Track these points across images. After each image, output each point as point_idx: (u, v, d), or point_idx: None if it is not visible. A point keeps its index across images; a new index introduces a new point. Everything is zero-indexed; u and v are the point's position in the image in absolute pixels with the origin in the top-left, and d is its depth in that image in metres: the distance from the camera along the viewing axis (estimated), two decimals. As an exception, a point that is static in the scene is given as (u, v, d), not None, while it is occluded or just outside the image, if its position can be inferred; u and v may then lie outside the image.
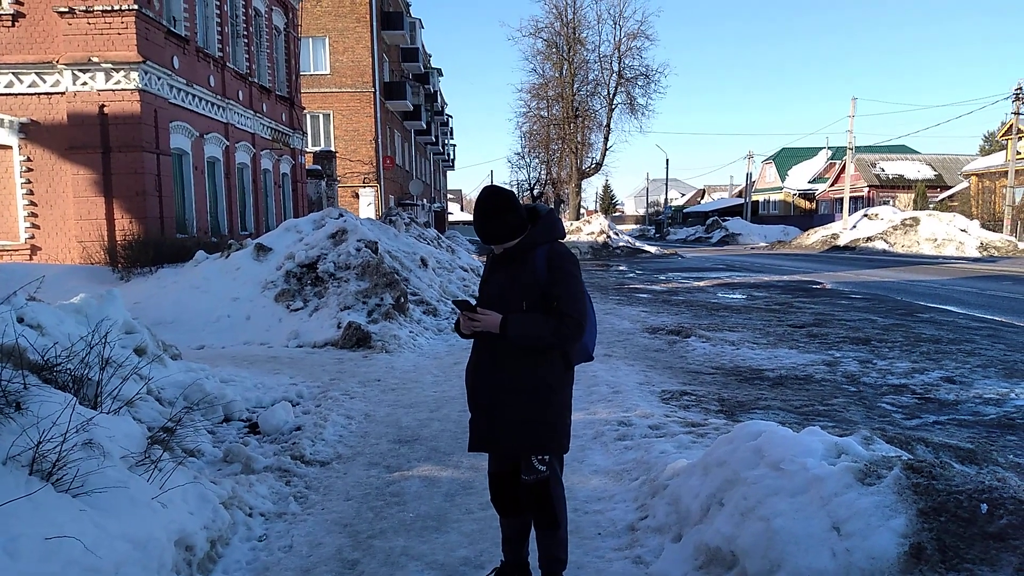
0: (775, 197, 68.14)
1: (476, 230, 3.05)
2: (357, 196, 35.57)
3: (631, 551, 3.73)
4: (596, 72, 44.36)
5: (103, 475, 3.60)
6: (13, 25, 13.69)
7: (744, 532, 3.10)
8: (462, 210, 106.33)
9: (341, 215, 12.86)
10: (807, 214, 61.32)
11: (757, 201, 67.66)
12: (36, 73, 13.82)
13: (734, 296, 15.65)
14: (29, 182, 14.12)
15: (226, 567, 3.88)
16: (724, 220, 57.95)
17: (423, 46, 50.58)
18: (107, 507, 3.47)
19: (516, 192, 73.67)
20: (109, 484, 3.54)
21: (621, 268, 25.93)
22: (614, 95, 43.35)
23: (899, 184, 51.98)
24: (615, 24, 43.39)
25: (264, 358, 9.31)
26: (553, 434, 3.06)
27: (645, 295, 16.30)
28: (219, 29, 18.33)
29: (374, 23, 35.87)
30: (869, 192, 51.96)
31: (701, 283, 18.90)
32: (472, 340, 3.18)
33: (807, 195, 63.21)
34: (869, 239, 35.51)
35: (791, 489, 3.11)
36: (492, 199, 3.03)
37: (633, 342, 9.82)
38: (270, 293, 11.48)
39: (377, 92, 36.02)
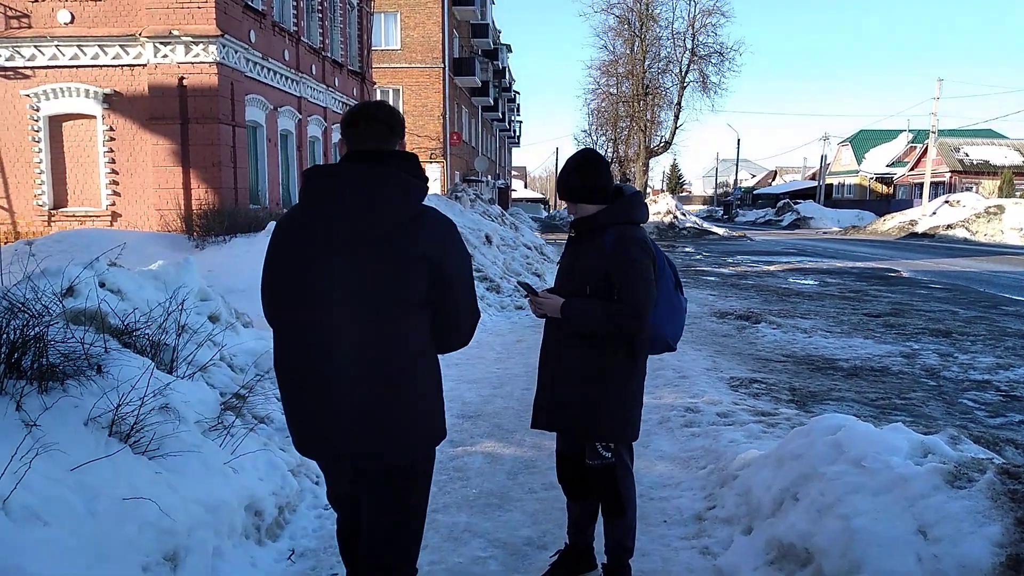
0: (850, 180, 65.86)
1: (557, 184, 3.08)
2: (424, 171, 35.60)
3: (698, 541, 3.64)
4: (668, 49, 43.39)
5: (178, 439, 3.68)
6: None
7: (821, 530, 2.98)
8: (526, 187, 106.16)
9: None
10: (884, 199, 59.11)
11: (831, 184, 65.53)
12: (120, 45, 14.23)
13: (806, 282, 15.19)
14: (111, 151, 14.62)
15: (293, 533, 3.93)
16: (796, 203, 56.34)
17: (493, 22, 50.36)
18: (181, 470, 3.55)
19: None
20: (184, 448, 3.62)
21: (688, 250, 25.47)
22: (686, 72, 42.34)
23: (984, 170, 49.51)
24: (690, 0, 42.29)
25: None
26: (612, 422, 2.99)
27: (713, 278, 15.97)
28: (294, 4, 18.55)
29: (445, -1, 35.79)
30: (951, 178, 49.69)
31: (771, 267, 18.42)
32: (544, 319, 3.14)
33: (884, 179, 60.87)
34: (949, 227, 34.01)
35: (874, 488, 2.97)
36: (584, 156, 3.05)
37: (700, 326, 9.62)
38: (338, 265, 11.63)
39: (446, 68, 36.03)
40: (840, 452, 3.33)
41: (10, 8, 14.26)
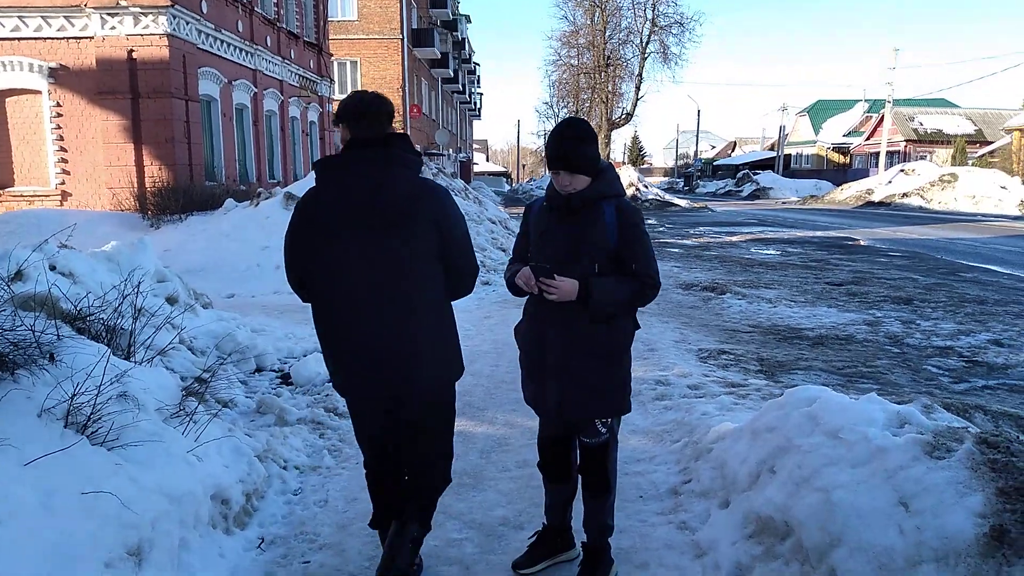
0: (808, 151, 66.67)
1: (552, 153, 2.77)
2: (384, 145, 35.20)
3: (675, 516, 3.62)
4: (629, 20, 43.27)
5: (138, 428, 3.53)
6: (40, -33, 13.50)
7: (800, 503, 2.96)
8: (488, 160, 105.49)
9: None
10: (841, 169, 59.98)
11: (789, 155, 66.26)
12: (65, 17, 13.65)
13: (768, 252, 15.34)
14: (59, 127, 14.08)
15: (262, 521, 3.83)
16: (755, 174, 56.88)
17: (451, -8, 49.54)
18: (142, 460, 3.41)
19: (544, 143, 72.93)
20: (144, 437, 3.48)
21: (651, 222, 25.55)
22: (647, 43, 42.30)
23: (937, 139, 50.48)
24: (650, -31, 42.08)
25: (295, 307, 9.24)
26: (624, 396, 2.94)
27: (676, 249, 16.04)
28: (246, -28, 17.99)
29: (402, -32, 35.09)
30: (906, 147, 50.57)
31: (734, 238, 18.57)
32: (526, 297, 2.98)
33: (841, 149, 61.73)
34: (905, 195, 34.65)
35: (851, 460, 2.96)
36: (583, 124, 2.83)
37: (667, 298, 9.63)
38: (299, 243, 11.42)
39: (405, 39, 35.42)
40: (816, 424, 3.32)
41: (-55, -22, 13.58)
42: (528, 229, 3.02)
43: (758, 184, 52.40)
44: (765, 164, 64.80)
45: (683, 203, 35.27)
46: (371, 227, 2.59)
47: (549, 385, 2.92)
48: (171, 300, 6.90)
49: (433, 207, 2.65)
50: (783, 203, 41.45)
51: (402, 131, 2.85)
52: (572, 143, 2.75)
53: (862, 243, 17.26)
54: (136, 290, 5.26)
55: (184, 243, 11.68)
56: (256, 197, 12.51)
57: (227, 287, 10.49)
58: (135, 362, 4.93)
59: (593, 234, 2.78)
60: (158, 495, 3.29)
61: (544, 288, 2.73)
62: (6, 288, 4.63)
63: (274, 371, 6.69)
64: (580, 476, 3.11)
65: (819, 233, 19.86)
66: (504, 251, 14.73)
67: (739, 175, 59.28)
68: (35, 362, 3.47)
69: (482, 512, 3.76)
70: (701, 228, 22.45)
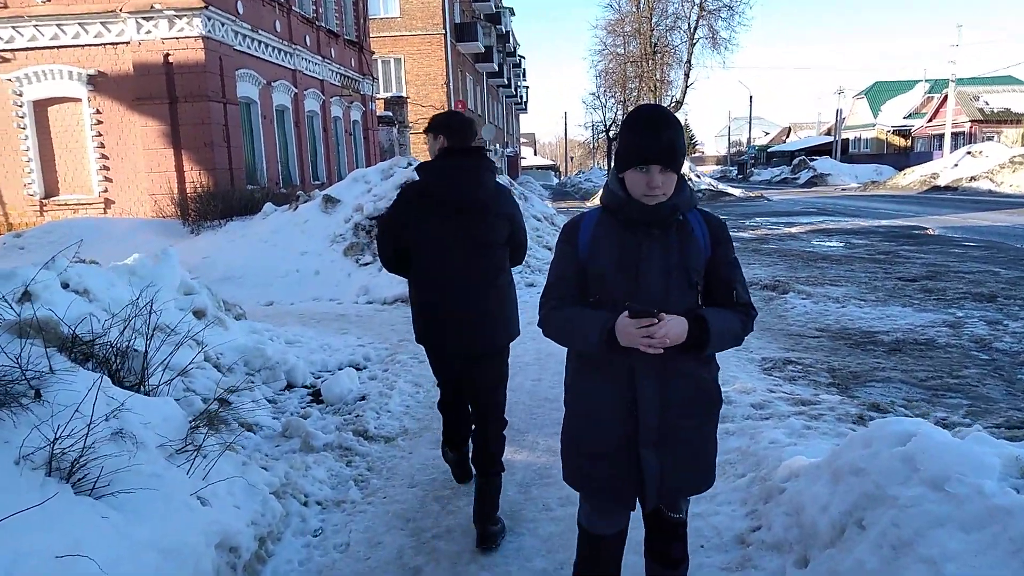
0: (867, 135, 64.35)
1: (648, 144, 2.08)
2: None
3: (743, 573, 3.10)
4: (676, 5, 42.15)
5: (134, 471, 3.16)
6: (77, -27, 13.48)
7: (900, 573, 2.42)
8: (535, 154, 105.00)
9: (409, 164, 12.32)
10: (902, 152, 57.71)
11: (847, 139, 64.07)
12: (101, 23, 13.60)
13: (831, 244, 14.49)
14: (99, 135, 14.07)
15: (276, 568, 3.45)
16: (811, 160, 55.12)
17: (494, -16, 49.09)
18: (135, 509, 3.03)
19: (593, 135, 72.06)
20: (140, 482, 3.11)
21: (703, 213, 24.73)
22: (695, 29, 41.13)
23: (1005, 118, 48.05)
24: (697, -46, 40.88)
25: (332, 316, 8.94)
26: (713, 466, 2.39)
27: (734, 243, 15.28)
28: (284, -29, 17.80)
29: (444, -39, 34.77)
30: (971, 127, 48.28)
31: (793, 229, 17.70)
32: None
33: (902, 132, 59.40)
34: (973, 179, 32.96)
35: (964, 522, 2.40)
36: (668, 112, 2.19)
37: (723, 298, 9.03)
38: (339, 247, 11.11)
39: (448, 34, 35.11)
40: (913, 469, 2.76)
41: (-14, -11, 13.65)
42: (580, 255, 2.25)
43: (815, 171, 50.73)
44: (822, 150, 62.82)
45: (737, 192, 34.19)
46: (468, 214, 3.28)
47: (647, 459, 2.22)
48: (198, 313, 6.60)
49: (507, 203, 3.44)
50: (842, 190, 39.95)
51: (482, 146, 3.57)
52: (675, 133, 2.09)
53: (932, 232, 16.23)
54: (150, 307, 4.94)
55: (223, 249, 11.47)
56: (295, 201, 12.24)
57: (265, 294, 10.23)
58: (149, 386, 4.62)
59: (691, 256, 2.17)
60: (151, 550, 2.90)
61: (648, 337, 2.02)
62: (12, 311, 4.34)
63: (305, 387, 6.34)
64: (652, 558, 2.58)
65: (884, 222, 18.82)
66: (549, 249, 14.22)
67: (795, 162, 57.52)
68: (17, 400, 3.13)
69: (518, 563, 3.30)
70: (758, 219, 21.56)
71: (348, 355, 7.11)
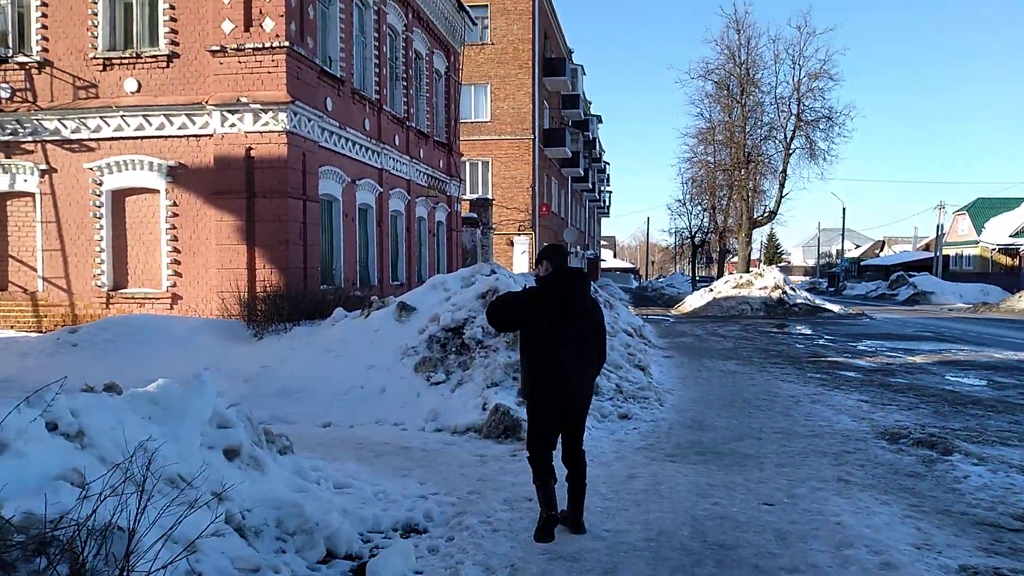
0: (969, 251, 60.95)
1: None
2: (512, 244, 34.48)
3: None
4: (771, 115, 41.18)
5: None
6: (168, 66, 13.31)
7: None
8: (615, 256, 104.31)
9: (493, 271, 11.21)
10: (1011, 272, 54.14)
11: (947, 255, 60.81)
12: (186, 115, 13.32)
13: (972, 382, 12.43)
14: (174, 227, 13.59)
15: None
16: (910, 276, 52.19)
17: (584, 93, 49.55)
18: None
19: (677, 240, 70.67)
20: None
21: (804, 331, 22.73)
22: (791, 139, 39.95)
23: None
24: (794, 64, 40.02)
25: (394, 448, 7.65)
26: None
27: (851, 372, 13.43)
28: (377, 71, 17.57)
29: (536, 70, 35.07)
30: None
31: (916, 358, 15.63)
32: None
33: (1009, 250, 55.93)
34: (1103, 304, 29.93)
35: None
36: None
37: (870, 455, 7.31)
38: (410, 361, 9.93)
39: (536, 139, 35.06)
40: None
41: (79, 78, 13.61)
42: None
43: (916, 287, 47.80)
44: (919, 265, 59.71)
45: (835, 308, 31.96)
46: (576, 317, 5.05)
47: None
48: (230, 453, 5.40)
49: (599, 311, 5.33)
50: (950, 310, 37.07)
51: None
52: None
53: (1087, 370, 13.95)
54: (148, 463, 3.78)
55: (285, 358, 10.45)
56: (368, 307, 11.23)
57: (324, 414, 9.07)
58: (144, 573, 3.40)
59: None
60: None
61: None
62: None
63: (349, 558, 5.01)
64: None
65: (1022, 355, 16.56)
66: (643, 369, 12.69)
67: (893, 277, 54.58)
68: None
69: None
70: (868, 341, 19.49)
71: (406, 511, 5.76)
